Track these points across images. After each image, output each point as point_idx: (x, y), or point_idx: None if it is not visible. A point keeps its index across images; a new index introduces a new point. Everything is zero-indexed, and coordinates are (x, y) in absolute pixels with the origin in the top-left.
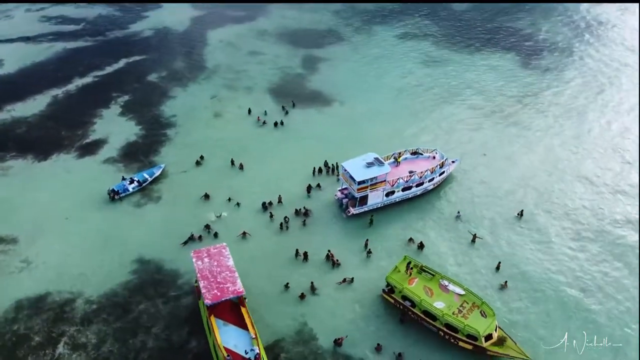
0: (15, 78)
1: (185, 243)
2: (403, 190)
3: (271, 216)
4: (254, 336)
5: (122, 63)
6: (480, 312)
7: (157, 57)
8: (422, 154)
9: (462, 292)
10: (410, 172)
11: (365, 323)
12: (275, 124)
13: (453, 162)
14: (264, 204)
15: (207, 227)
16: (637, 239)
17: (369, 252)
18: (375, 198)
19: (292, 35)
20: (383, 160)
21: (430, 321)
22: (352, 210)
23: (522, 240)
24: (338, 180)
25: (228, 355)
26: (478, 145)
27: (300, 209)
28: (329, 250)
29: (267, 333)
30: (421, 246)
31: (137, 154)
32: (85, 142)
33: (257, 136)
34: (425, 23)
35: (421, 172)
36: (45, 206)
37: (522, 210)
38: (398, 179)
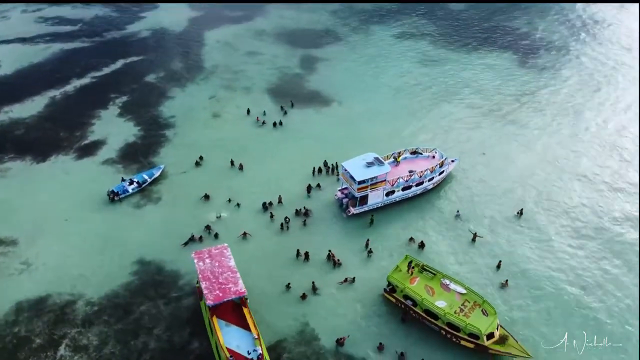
0: (12, 79)
1: (185, 244)
2: (403, 189)
3: (271, 216)
4: (256, 337)
5: (119, 64)
6: (482, 310)
7: (154, 57)
8: (421, 154)
9: (464, 291)
10: (410, 171)
11: (367, 322)
12: (274, 124)
13: (452, 161)
14: (264, 204)
15: (208, 227)
16: (636, 236)
17: (370, 251)
18: (376, 198)
19: (290, 35)
20: (383, 160)
21: (432, 320)
22: (353, 210)
23: (522, 239)
24: (338, 180)
25: (231, 356)
26: (476, 144)
27: (300, 209)
28: (329, 250)
29: (269, 333)
30: (422, 245)
31: (136, 155)
32: (84, 144)
33: (256, 136)
34: (422, 22)
35: (421, 172)
36: (45, 208)
37: (522, 209)
38: (398, 178)
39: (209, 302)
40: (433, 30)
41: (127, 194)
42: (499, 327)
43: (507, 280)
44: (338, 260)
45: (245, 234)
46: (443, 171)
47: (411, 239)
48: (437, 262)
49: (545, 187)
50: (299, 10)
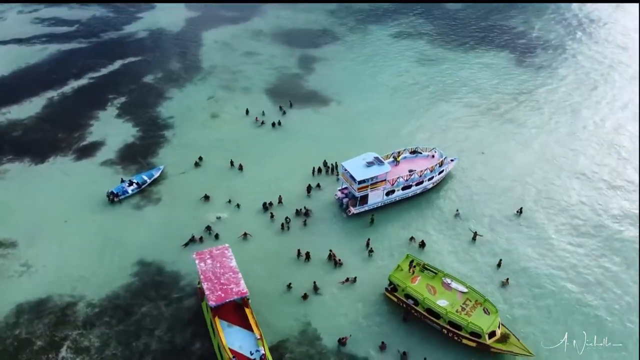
0: (9, 80)
1: (186, 245)
2: (403, 189)
3: (272, 217)
4: (258, 337)
5: (117, 64)
6: (483, 309)
7: (152, 58)
8: (421, 153)
9: (465, 290)
10: (410, 171)
11: (369, 322)
12: (273, 124)
13: (452, 160)
14: (264, 204)
15: (208, 228)
16: (634, 233)
17: (371, 251)
18: (376, 197)
19: (288, 35)
20: (383, 160)
21: (434, 319)
22: (353, 210)
23: (521, 237)
24: (338, 179)
25: (233, 357)
26: (475, 143)
27: (300, 209)
28: (330, 250)
29: (270, 334)
30: (422, 245)
31: (135, 156)
32: (83, 145)
33: (255, 137)
34: (419, 22)
35: (421, 171)
36: (44, 209)
37: (522, 208)
38: (398, 178)
39: (211, 303)
40: (430, 30)
41: (127, 195)
42: (500, 325)
43: (507, 279)
44: (339, 260)
45: (245, 234)
46: (443, 170)
47: (412, 238)
48: (437, 261)
49: (544, 186)
50: (295, 10)
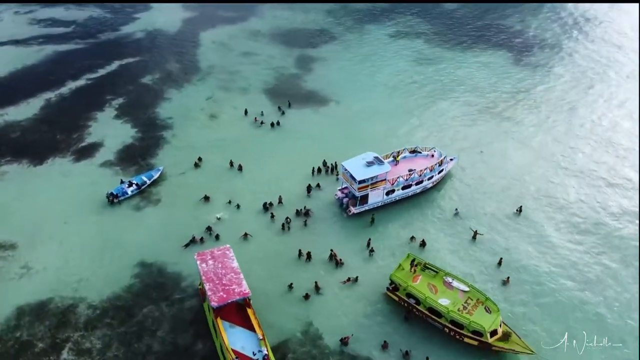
0: (6, 81)
1: (186, 245)
2: (403, 188)
3: (272, 217)
4: (261, 337)
5: (114, 65)
6: (485, 308)
7: (149, 58)
8: (420, 152)
9: (466, 289)
10: (410, 170)
11: (370, 321)
12: (272, 124)
13: (451, 159)
14: (264, 204)
15: (209, 229)
16: (633, 230)
17: (372, 250)
18: (376, 197)
19: (285, 36)
20: (383, 159)
21: (435, 318)
22: (353, 210)
23: (521, 235)
24: (337, 179)
25: (236, 357)
26: (473, 142)
27: (301, 209)
28: (332, 250)
29: (272, 334)
30: (423, 244)
31: (135, 157)
32: (81, 146)
33: (254, 137)
34: (416, 21)
35: (421, 170)
36: (43, 211)
37: (521, 206)
38: (398, 177)
39: (213, 304)
40: (427, 29)
41: (127, 196)
42: (502, 324)
43: (508, 277)
44: (340, 259)
45: (246, 234)
46: (442, 169)
47: (412, 237)
48: (438, 260)
49: (542, 184)
50: (292, 10)
